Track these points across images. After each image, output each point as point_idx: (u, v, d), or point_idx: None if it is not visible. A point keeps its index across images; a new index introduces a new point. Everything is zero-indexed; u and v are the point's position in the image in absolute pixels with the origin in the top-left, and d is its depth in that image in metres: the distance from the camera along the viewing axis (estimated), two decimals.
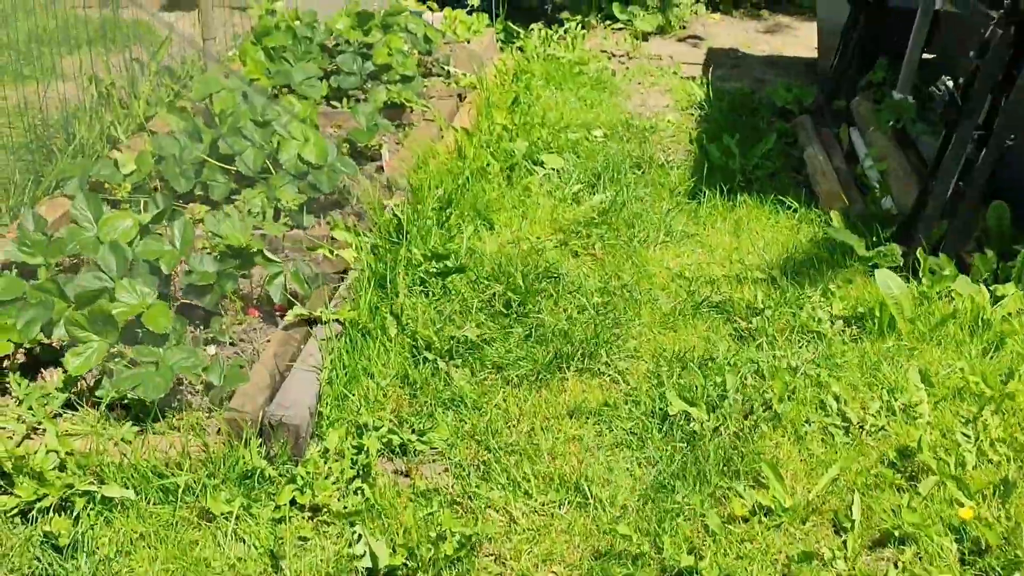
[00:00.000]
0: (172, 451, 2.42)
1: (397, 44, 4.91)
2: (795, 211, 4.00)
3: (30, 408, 2.53)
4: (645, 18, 7.10)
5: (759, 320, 3.16)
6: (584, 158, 4.52)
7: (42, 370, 2.79)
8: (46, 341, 2.72)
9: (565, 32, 6.65)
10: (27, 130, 3.85)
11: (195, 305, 2.96)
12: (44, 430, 2.45)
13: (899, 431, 2.66)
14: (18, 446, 2.39)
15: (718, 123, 5.07)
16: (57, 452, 2.38)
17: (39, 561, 2.21)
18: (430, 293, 3.24)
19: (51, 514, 2.29)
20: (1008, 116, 3.23)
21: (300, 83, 4.60)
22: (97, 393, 2.58)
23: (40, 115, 3.99)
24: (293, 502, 2.38)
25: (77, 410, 2.57)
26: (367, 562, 2.22)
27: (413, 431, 2.67)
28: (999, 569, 2.21)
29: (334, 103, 4.85)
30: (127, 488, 2.34)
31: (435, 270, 3.27)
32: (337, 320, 2.89)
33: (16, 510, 2.31)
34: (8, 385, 2.62)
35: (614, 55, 6.60)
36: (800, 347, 3.04)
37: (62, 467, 2.36)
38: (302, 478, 2.41)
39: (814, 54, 6.77)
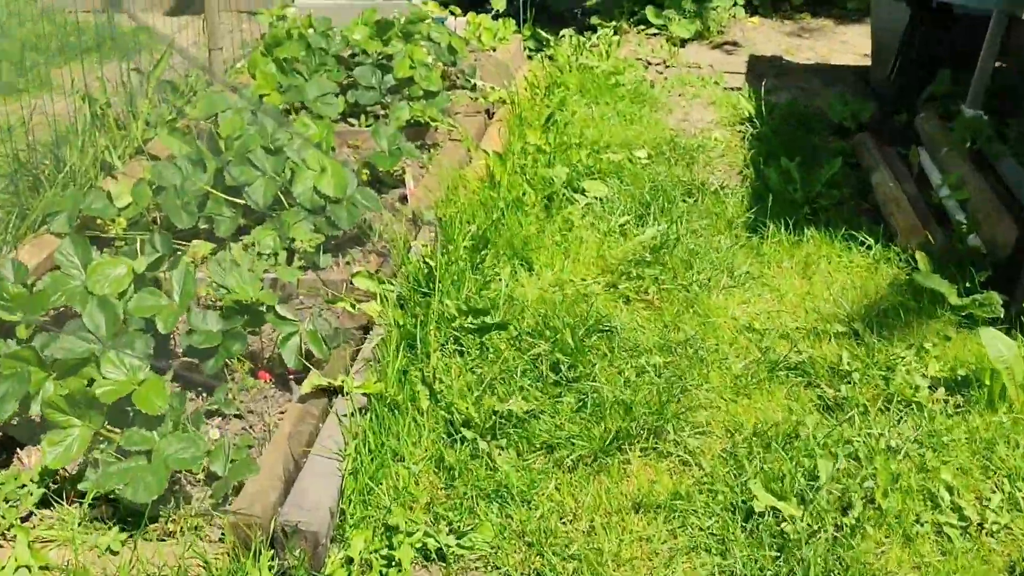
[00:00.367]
0: (166, 569, 2.01)
1: (420, 56, 4.49)
2: (869, 248, 3.56)
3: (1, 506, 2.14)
4: (681, 23, 6.62)
5: (847, 387, 2.73)
6: (629, 183, 4.07)
7: (18, 450, 2.40)
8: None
9: (598, 39, 6.20)
10: (12, 158, 3.43)
11: (197, 368, 2.57)
12: (15, 536, 2.05)
13: None
14: None
15: (771, 142, 4.61)
16: (29, 568, 1.99)
17: None
18: (465, 352, 2.82)
19: None
20: None
21: (315, 100, 4.16)
22: (80, 486, 2.18)
23: (27, 138, 3.57)
24: None
25: (54, 507, 2.17)
26: None
27: (451, 530, 2.25)
28: None
29: (351, 120, 4.44)
30: None
31: (472, 326, 2.85)
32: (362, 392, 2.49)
33: None
34: None
35: (650, 63, 6.14)
36: (898, 421, 2.62)
37: None
38: None
39: (862, 61, 6.33)
